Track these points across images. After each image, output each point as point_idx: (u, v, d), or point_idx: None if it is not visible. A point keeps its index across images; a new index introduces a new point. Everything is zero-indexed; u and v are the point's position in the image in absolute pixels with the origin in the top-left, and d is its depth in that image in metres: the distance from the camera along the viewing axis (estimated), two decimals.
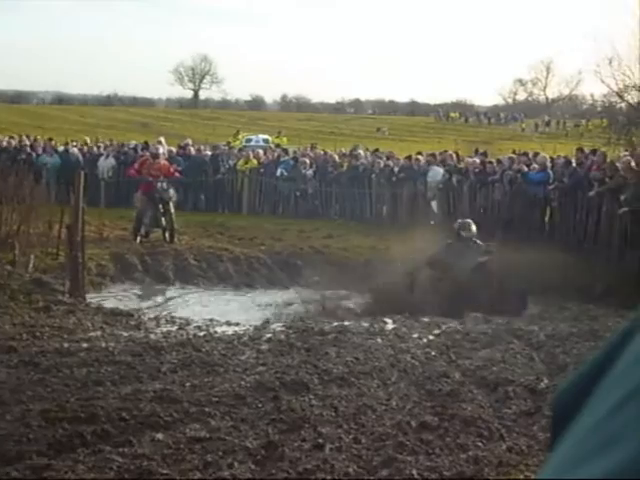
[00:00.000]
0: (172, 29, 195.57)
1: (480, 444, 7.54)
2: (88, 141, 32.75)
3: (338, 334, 12.10)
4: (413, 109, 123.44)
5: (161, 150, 22.19)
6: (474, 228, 16.10)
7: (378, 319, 13.84)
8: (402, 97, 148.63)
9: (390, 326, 13.34)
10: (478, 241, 16.00)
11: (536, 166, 22.80)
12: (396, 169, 25.19)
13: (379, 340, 11.86)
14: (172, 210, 20.04)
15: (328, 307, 15.33)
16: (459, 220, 16.66)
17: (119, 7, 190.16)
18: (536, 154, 25.99)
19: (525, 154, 26.90)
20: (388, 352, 10.93)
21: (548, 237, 20.33)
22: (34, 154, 29.00)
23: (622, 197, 18.76)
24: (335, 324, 13.13)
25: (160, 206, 20.00)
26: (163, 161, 21.58)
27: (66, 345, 10.82)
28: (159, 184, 19.97)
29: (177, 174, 21.63)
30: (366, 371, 10.01)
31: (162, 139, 28.72)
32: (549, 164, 22.67)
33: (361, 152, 29.01)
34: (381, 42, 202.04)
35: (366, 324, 13.27)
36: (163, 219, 19.97)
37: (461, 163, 25.02)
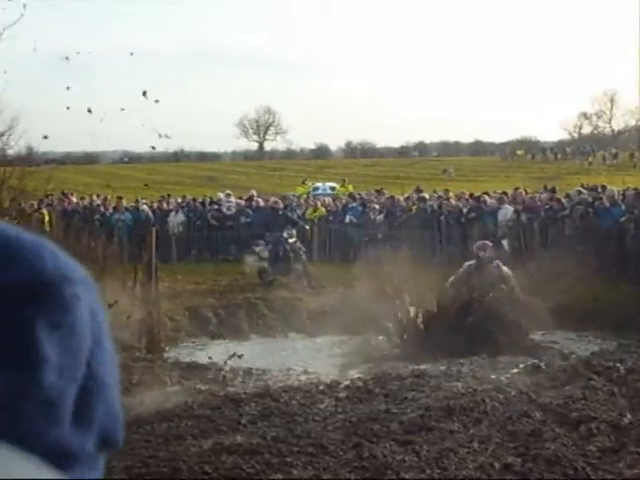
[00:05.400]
0: (234, 83, 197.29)
1: None
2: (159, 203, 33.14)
3: (415, 378, 12.05)
4: (478, 149, 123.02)
5: None
6: (491, 250, 16.13)
7: (455, 361, 13.76)
8: (466, 137, 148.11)
9: (467, 368, 13.25)
10: (500, 264, 15.97)
11: (605, 200, 22.64)
12: (465, 209, 25.11)
13: (457, 383, 11.78)
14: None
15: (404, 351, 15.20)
16: (478, 242, 16.82)
17: (179, 66, 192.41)
18: (604, 187, 25.81)
19: (594, 188, 26.75)
20: (467, 394, 10.85)
21: (621, 270, 20.06)
22: (106, 213, 29.44)
23: None
24: (412, 368, 13.06)
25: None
26: None
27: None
28: None
29: None
30: (445, 415, 9.94)
31: (230, 192, 29.05)
32: (619, 197, 22.51)
33: (426, 195, 29.01)
34: (443, 83, 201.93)
35: (443, 367, 13.19)
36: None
37: (530, 200, 24.91)
